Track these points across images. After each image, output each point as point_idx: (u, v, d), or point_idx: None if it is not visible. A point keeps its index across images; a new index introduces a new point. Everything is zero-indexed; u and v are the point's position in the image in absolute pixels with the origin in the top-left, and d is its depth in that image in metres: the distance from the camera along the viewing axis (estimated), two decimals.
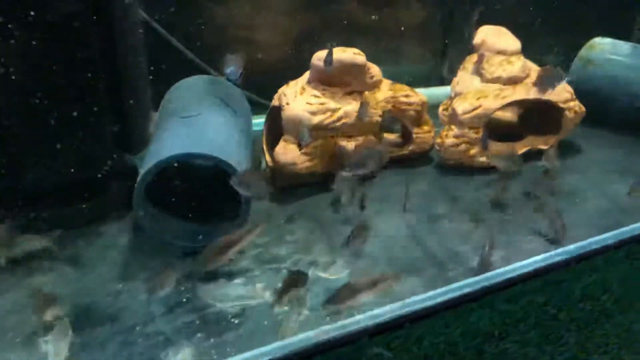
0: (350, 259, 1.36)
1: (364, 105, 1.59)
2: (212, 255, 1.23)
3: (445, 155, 1.72)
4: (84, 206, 1.46)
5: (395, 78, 1.82)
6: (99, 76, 1.38)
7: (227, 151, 1.36)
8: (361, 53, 1.64)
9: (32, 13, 1.23)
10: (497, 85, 1.73)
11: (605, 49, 2.06)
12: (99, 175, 1.45)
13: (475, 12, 1.80)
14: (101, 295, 1.22)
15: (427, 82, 2.33)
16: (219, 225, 1.39)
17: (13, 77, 1.26)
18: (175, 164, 1.32)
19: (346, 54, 1.61)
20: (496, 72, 1.73)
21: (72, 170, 1.39)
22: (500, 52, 1.76)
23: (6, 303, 1.20)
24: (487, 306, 1.26)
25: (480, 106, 1.68)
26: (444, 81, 2.35)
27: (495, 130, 1.84)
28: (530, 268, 1.35)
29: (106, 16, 1.38)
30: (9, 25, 1.23)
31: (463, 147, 1.71)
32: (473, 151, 1.72)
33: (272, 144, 1.68)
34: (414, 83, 1.85)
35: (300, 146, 1.57)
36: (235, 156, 1.38)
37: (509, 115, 1.96)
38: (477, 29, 1.84)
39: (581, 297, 1.34)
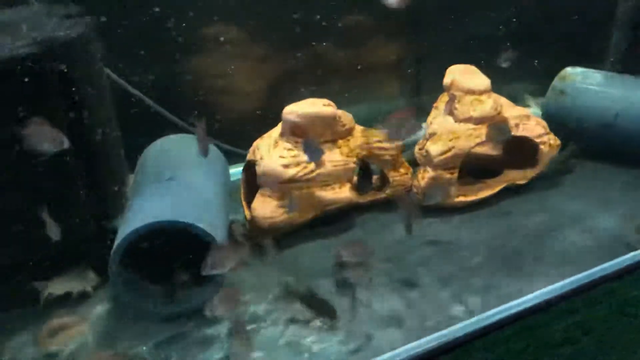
0: (328, 313, 1.47)
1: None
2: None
3: (421, 197, 1.84)
4: (63, 274, 1.58)
5: (372, 116, 1.95)
6: (68, 149, 1.45)
7: (203, 216, 1.49)
8: (331, 104, 1.79)
9: None
10: (469, 125, 1.86)
11: (576, 79, 2.21)
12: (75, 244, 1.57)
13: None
14: None
15: None
16: (196, 289, 1.50)
17: None
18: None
19: (315, 107, 1.76)
20: (467, 112, 1.87)
21: (48, 242, 1.47)
22: (469, 92, 1.90)
23: None
24: (464, 357, 1.36)
25: (453, 147, 1.82)
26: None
27: (477, 164, 1.97)
28: (507, 313, 1.47)
29: (70, 84, 1.46)
30: None
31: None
32: (450, 191, 1.84)
33: (250, 197, 1.81)
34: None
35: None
36: (212, 219, 1.51)
37: (490, 150, 2.09)
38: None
39: (561, 340, 1.44)
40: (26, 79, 1.35)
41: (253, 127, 2.00)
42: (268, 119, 1.98)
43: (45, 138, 1.24)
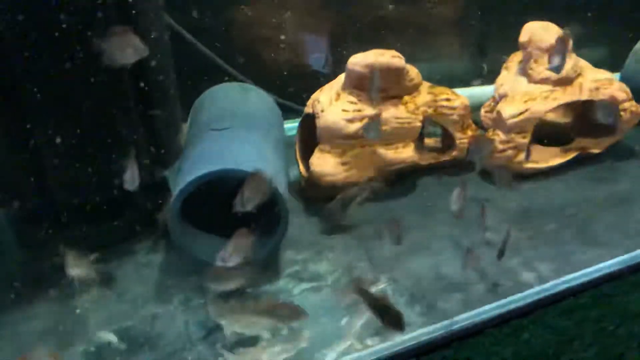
0: (394, 277, 1.42)
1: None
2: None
3: (490, 162, 1.76)
4: (115, 224, 1.56)
5: (429, 78, 1.86)
6: (127, 88, 1.45)
7: (262, 166, 1.43)
8: (400, 56, 1.70)
9: (58, 24, 1.29)
10: (546, 87, 1.76)
11: None
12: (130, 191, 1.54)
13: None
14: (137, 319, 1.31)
15: (464, 82, 2.36)
16: (256, 241, 1.46)
17: (41, 95, 1.35)
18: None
19: (383, 58, 1.67)
20: (545, 72, 1.77)
21: (102, 187, 1.48)
22: (548, 51, 1.78)
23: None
24: (539, 322, 1.31)
25: (528, 109, 1.72)
26: (483, 81, 2.39)
27: (544, 133, 1.88)
28: (582, 280, 1.40)
29: (132, 25, 1.41)
30: (35, 40, 1.30)
31: (510, 153, 1.75)
32: (521, 157, 1.76)
33: (306, 153, 1.76)
34: (450, 83, 1.90)
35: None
36: (271, 170, 1.46)
37: (560, 117, 1.99)
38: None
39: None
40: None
41: (307, 82, 1.94)
42: (321, 73, 1.91)
43: (126, 46, 1.19)
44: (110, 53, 1.19)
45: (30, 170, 1.42)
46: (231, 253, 1.24)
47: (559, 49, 1.50)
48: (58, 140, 1.40)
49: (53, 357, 1.07)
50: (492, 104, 1.92)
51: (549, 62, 1.51)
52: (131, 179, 1.35)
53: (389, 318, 1.12)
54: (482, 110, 1.96)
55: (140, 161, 1.54)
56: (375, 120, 1.62)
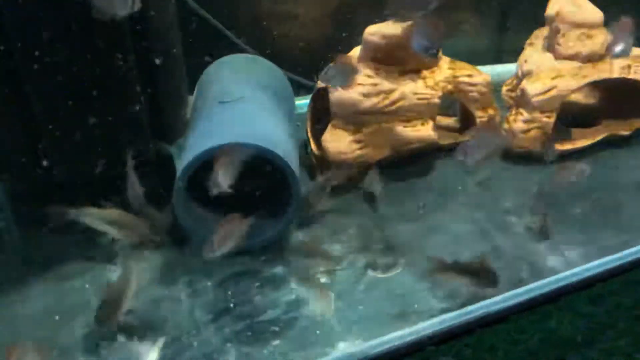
0: (413, 260, 1.36)
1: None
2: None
3: (513, 143, 1.69)
4: (117, 200, 1.49)
5: (452, 54, 1.79)
6: (129, 58, 1.37)
7: (274, 141, 1.37)
8: None
9: None
10: (574, 63, 1.69)
11: None
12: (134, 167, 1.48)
13: None
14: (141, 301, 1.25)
15: (484, 59, 2.29)
16: (265, 221, 1.40)
17: (44, 66, 1.28)
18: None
19: (402, 29, 1.59)
20: (574, 47, 1.69)
21: (104, 162, 1.42)
22: (578, 25, 1.71)
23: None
24: (567, 309, 1.26)
25: (555, 87, 1.65)
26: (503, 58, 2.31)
27: (567, 114, 1.80)
28: (612, 265, 1.34)
29: None
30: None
31: (534, 133, 1.68)
32: (545, 137, 1.68)
33: (317, 130, 1.69)
34: (470, 60, 1.83)
35: None
36: (283, 145, 1.39)
37: (585, 98, 1.92)
38: None
39: None
40: None
41: (319, 56, 1.86)
42: (334, 47, 1.83)
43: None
44: (99, 4, 1.13)
45: (29, 145, 1.36)
46: (220, 241, 1.16)
47: (622, 33, 1.42)
48: (56, 113, 1.33)
49: (38, 351, 1.00)
50: (515, 81, 1.85)
51: (611, 48, 1.44)
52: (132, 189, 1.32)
53: (482, 278, 1.23)
54: (504, 88, 1.89)
55: (143, 137, 1.49)
56: (345, 64, 1.45)
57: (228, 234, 1.18)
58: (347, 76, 1.43)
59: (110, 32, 1.32)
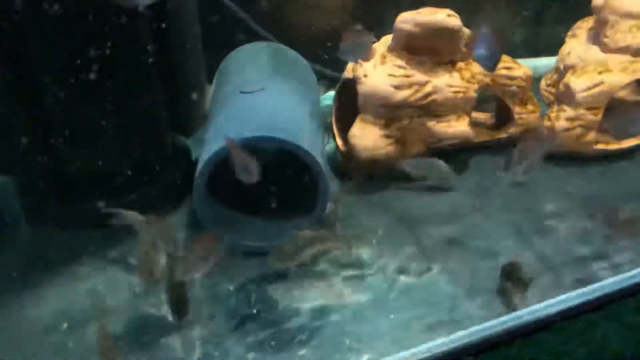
0: (448, 266, 1.28)
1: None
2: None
3: (555, 142, 1.59)
4: (133, 196, 1.42)
5: None
6: (148, 48, 1.31)
7: (299, 134, 1.29)
8: (456, 15, 1.52)
9: None
10: (624, 57, 1.58)
11: None
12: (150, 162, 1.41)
13: None
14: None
15: (519, 52, 2.19)
16: (290, 221, 1.32)
17: (58, 58, 1.23)
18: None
19: (437, 16, 1.50)
20: (624, 40, 1.58)
21: (120, 156, 1.35)
22: (628, 16, 1.61)
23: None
24: (614, 319, 1.16)
25: (602, 82, 1.54)
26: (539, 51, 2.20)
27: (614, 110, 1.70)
28: None
29: None
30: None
31: (578, 131, 1.57)
32: (590, 137, 1.58)
33: (344, 124, 1.59)
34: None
35: None
36: (309, 139, 1.30)
37: (633, 94, 1.81)
38: None
39: None
40: None
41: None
42: None
43: None
44: None
45: (42, 140, 1.30)
46: (194, 263, 1.07)
47: None
48: (70, 106, 1.26)
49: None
50: (555, 76, 1.74)
51: None
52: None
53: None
54: (543, 83, 1.78)
55: (160, 130, 1.41)
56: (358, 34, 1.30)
57: (201, 257, 1.07)
58: (363, 47, 1.32)
59: (128, 22, 1.25)
